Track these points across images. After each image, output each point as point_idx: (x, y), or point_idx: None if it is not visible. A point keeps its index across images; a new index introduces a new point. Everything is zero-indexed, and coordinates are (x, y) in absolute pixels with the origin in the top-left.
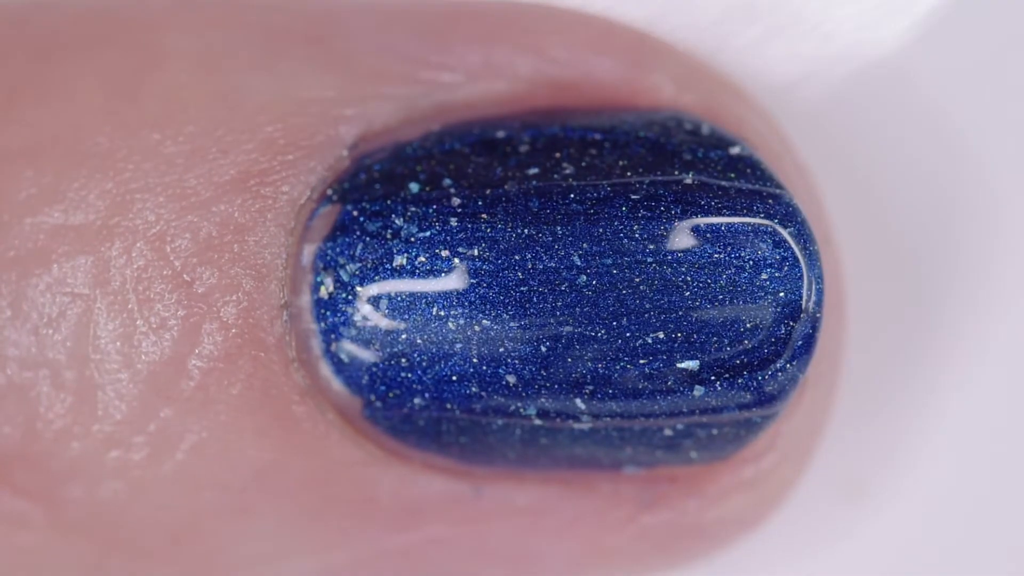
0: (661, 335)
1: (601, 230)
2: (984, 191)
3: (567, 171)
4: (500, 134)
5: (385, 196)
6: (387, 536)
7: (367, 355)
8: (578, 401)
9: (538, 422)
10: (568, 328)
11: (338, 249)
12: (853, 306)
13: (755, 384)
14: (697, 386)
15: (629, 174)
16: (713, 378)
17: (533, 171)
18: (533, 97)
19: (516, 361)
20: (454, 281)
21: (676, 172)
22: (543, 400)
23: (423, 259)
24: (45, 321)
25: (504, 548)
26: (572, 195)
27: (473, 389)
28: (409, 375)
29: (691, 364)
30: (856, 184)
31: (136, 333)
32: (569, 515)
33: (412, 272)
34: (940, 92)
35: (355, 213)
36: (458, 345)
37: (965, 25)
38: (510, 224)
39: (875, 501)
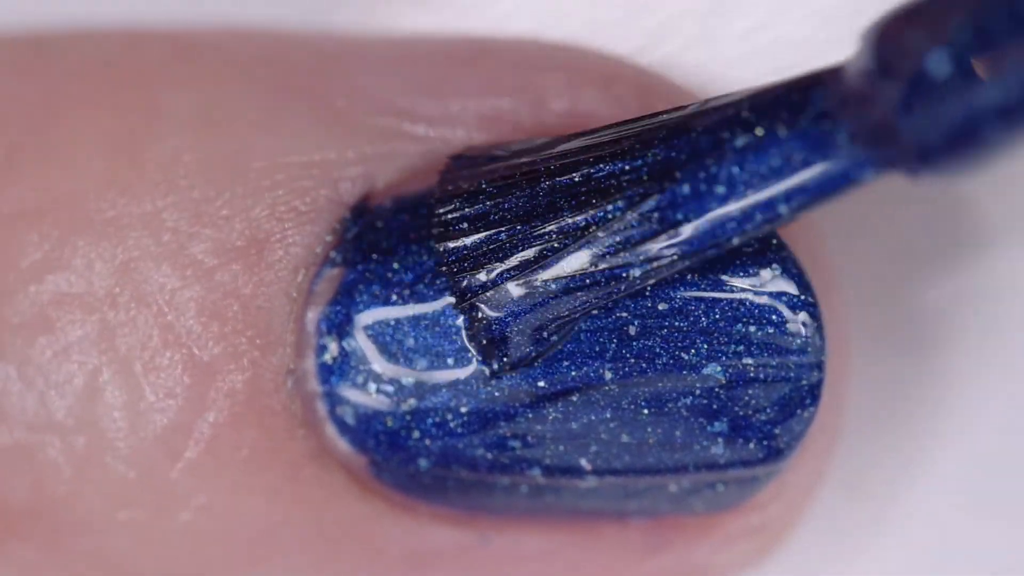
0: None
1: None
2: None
3: None
4: None
5: (390, 256)
6: None
7: (372, 416)
8: (583, 461)
9: (543, 481)
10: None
11: (342, 312)
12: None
13: (763, 441)
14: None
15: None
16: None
17: None
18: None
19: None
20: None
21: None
22: (548, 460)
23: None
24: (51, 386)
25: None
26: None
27: (478, 452)
28: (414, 436)
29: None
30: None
31: (143, 400)
32: (576, 560)
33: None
34: None
35: (358, 275)
36: (463, 408)
37: None
38: None
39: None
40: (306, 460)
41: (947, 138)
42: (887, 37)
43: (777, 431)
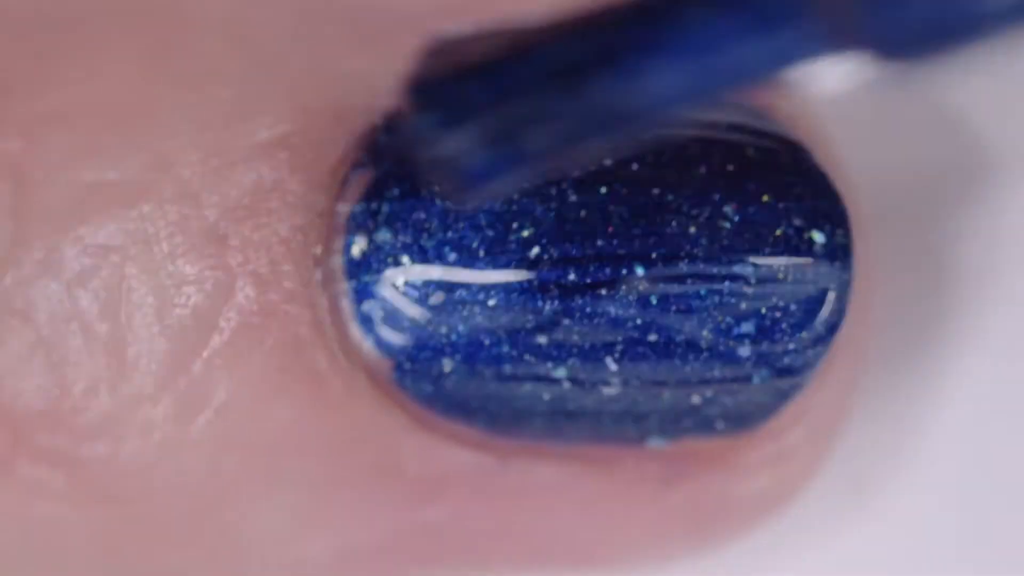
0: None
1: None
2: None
3: None
4: None
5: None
6: (411, 510)
7: (398, 314)
8: (609, 360)
9: (567, 386)
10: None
11: (372, 208)
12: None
13: (790, 346)
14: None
15: None
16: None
17: None
18: None
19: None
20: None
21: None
22: (574, 360)
23: (459, 224)
24: (78, 275)
25: (527, 527)
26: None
27: (504, 349)
28: (440, 332)
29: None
30: (872, 174)
31: (169, 288)
32: (592, 491)
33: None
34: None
35: (389, 174)
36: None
37: None
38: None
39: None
40: (329, 360)
41: (915, 35)
42: None
43: (804, 335)
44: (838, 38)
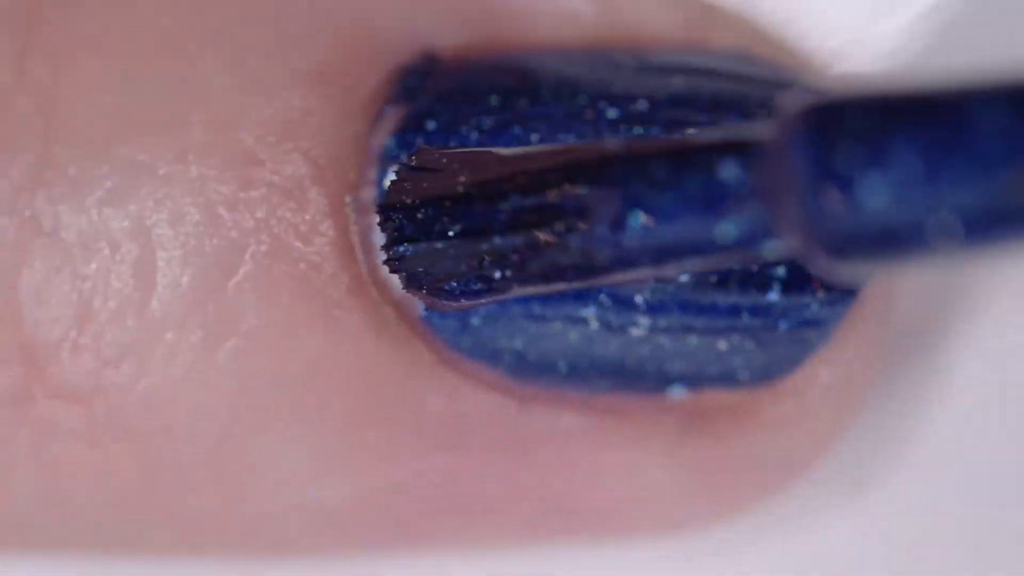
0: None
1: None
2: None
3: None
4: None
5: (458, 100)
6: (429, 454)
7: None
8: (638, 298)
9: (595, 326)
10: None
11: (407, 143)
12: None
13: (816, 294)
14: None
15: None
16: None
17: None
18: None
19: None
20: None
21: None
22: (604, 298)
23: None
24: (109, 195)
25: (541, 480)
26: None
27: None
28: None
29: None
30: None
31: (202, 209)
32: (608, 441)
33: None
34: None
35: (426, 110)
36: None
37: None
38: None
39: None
40: (359, 291)
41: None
42: (819, 137)
43: (832, 285)
44: (778, 229)
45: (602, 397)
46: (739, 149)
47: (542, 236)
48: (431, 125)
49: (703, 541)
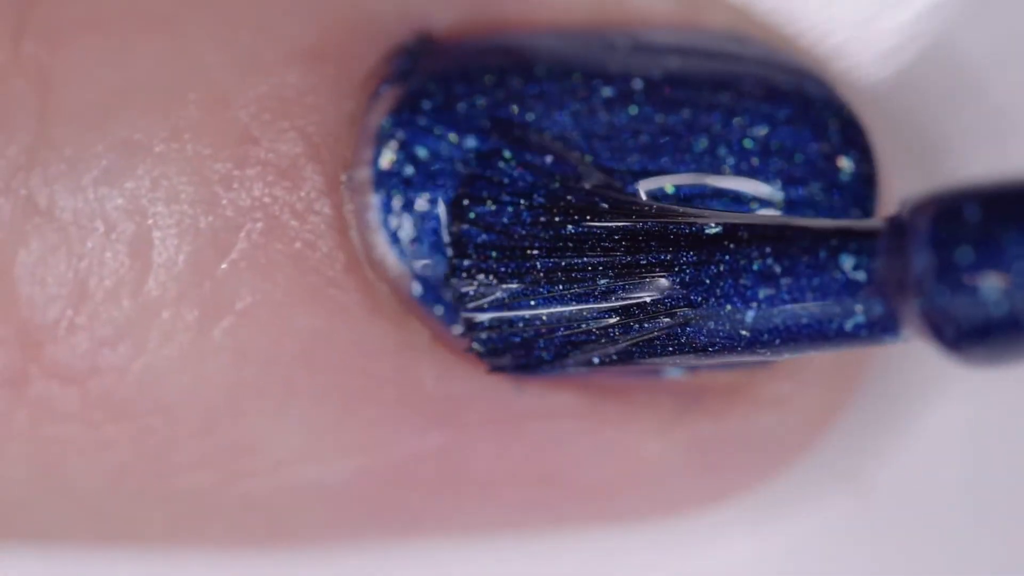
0: None
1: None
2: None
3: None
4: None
5: (453, 79)
6: (424, 431)
7: (424, 221)
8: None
9: None
10: None
11: (403, 123)
12: None
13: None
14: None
15: None
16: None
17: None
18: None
19: None
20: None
21: None
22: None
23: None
24: (105, 173)
25: (533, 459)
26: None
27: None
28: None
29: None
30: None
31: (197, 187)
32: (605, 420)
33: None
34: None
35: (421, 89)
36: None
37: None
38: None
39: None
40: (354, 269)
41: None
42: (941, 240)
43: None
44: (900, 324)
45: (598, 376)
46: (855, 240)
47: (652, 330)
48: (426, 104)
49: (698, 522)
